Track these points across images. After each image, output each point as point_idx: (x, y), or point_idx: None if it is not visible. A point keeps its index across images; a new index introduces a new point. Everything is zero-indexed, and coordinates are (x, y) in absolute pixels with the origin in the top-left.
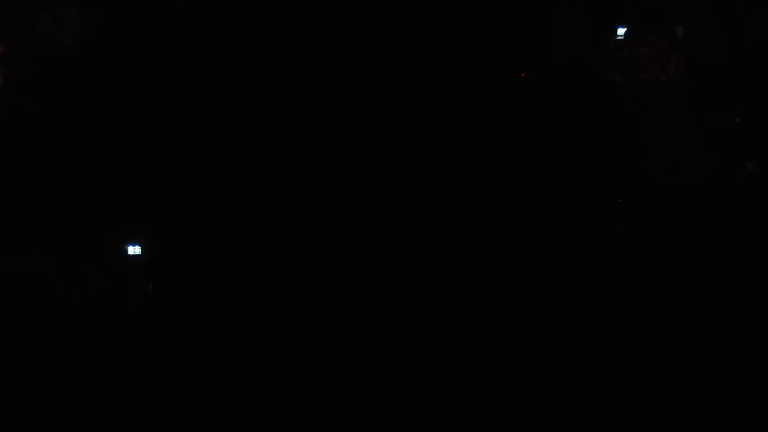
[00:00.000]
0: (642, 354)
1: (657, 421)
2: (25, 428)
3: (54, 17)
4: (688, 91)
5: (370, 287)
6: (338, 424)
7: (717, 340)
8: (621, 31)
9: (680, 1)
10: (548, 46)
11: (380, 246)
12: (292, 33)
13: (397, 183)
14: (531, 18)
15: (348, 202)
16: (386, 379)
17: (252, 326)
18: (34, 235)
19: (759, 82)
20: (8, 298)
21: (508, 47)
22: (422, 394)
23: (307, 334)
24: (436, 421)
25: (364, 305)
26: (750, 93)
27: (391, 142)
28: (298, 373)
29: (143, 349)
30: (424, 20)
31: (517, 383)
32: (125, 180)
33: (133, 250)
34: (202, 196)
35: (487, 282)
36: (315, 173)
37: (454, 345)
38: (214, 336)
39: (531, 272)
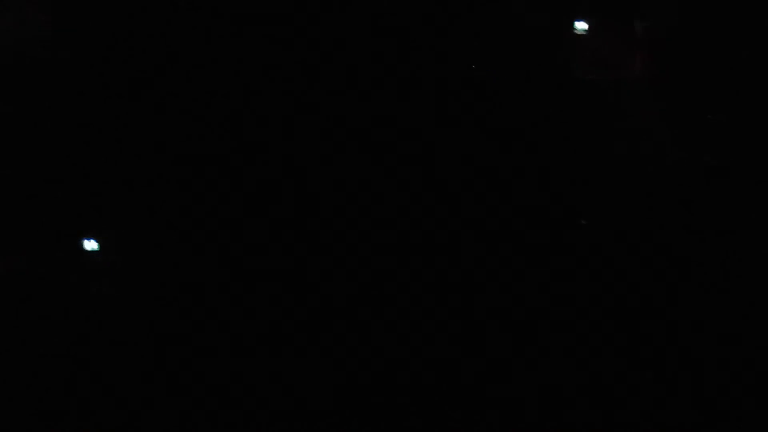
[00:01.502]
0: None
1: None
2: None
3: (16, 17)
4: (653, 88)
5: (343, 287)
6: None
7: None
8: (583, 26)
9: None
10: (509, 43)
11: (355, 246)
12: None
13: (362, 183)
14: (492, 14)
15: (310, 197)
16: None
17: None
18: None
19: (726, 76)
20: None
21: (468, 43)
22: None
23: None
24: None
25: (341, 307)
26: (718, 88)
27: (353, 141)
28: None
29: (105, 347)
30: (384, 18)
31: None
32: (88, 177)
33: (91, 245)
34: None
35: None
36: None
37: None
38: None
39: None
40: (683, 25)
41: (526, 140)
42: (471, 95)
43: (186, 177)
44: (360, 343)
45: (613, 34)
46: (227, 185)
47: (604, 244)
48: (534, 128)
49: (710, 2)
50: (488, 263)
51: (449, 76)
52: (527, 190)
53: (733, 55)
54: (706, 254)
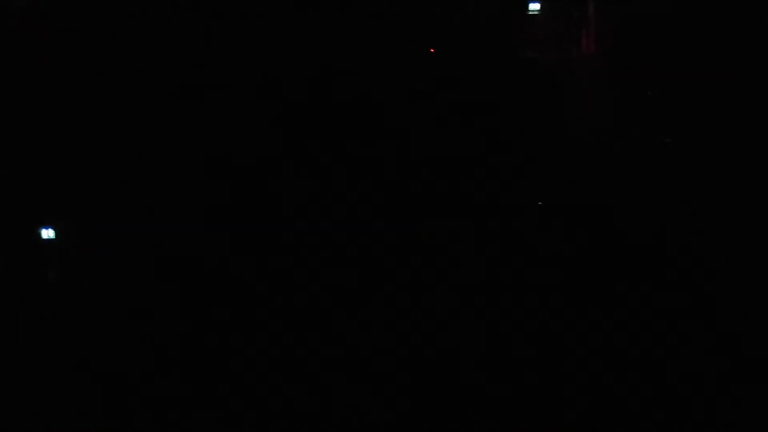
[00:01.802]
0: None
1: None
2: None
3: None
4: (600, 66)
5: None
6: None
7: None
8: (532, 6)
9: None
10: (458, 23)
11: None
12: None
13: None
14: None
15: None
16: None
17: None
18: None
19: (671, 54)
20: None
21: (415, 27)
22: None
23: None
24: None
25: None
26: (664, 66)
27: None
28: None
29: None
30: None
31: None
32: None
33: (47, 233)
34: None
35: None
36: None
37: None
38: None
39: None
40: (636, 5)
41: (481, 120)
42: (429, 78)
43: (149, 170)
44: (356, 343)
45: (565, 13)
46: (189, 178)
47: (562, 224)
48: (487, 107)
49: None
50: (445, 243)
51: (407, 59)
52: (483, 171)
53: (683, 34)
54: (664, 229)
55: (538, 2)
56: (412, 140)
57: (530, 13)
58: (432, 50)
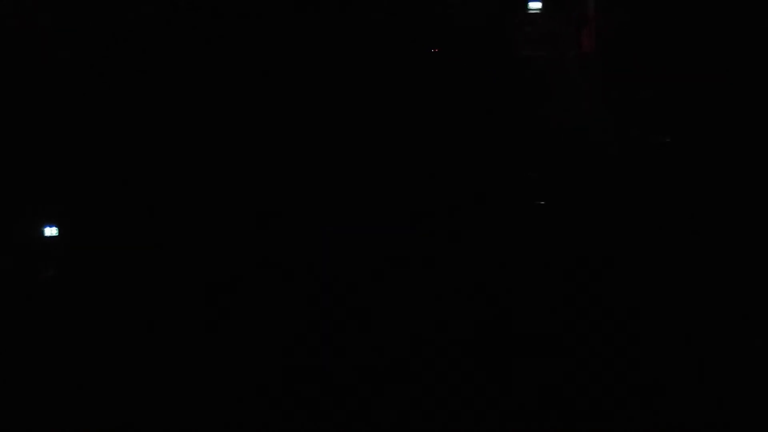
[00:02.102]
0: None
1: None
2: None
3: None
4: (598, 66)
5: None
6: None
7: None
8: (531, 4)
9: None
10: (453, 22)
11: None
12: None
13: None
14: None
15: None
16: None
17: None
18: None
19: (669, 54)
20: None
21: (410, 23)
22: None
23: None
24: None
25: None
26: (660, 67)
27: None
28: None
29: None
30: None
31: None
32: (40, 161)
33: (50, 231)
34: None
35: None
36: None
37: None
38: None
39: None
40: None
41: (481, 118)
42: (426, 77)
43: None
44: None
45: (564, 12)
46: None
47: (558, 224)
48: (483, 107)
49: None
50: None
51: (406, 57)
52: (482, 171)
53: (681, 34)
54: (663, 229)
55: (539, 1)
56: (409, 140)
57: (530, 12)
58: (435, 50)
